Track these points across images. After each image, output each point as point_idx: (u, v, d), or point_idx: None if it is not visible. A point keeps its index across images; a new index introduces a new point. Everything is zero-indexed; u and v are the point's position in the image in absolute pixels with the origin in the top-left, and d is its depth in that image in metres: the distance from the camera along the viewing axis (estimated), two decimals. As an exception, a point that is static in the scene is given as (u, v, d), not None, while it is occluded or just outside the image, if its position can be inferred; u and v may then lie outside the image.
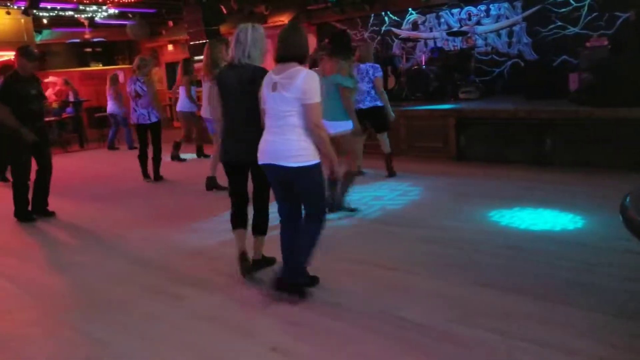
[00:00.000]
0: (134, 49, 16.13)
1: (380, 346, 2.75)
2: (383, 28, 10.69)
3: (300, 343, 2.83)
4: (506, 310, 3.01)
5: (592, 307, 2.98)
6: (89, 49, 15.67)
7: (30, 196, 5.81)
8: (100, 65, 15.57)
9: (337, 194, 5.09)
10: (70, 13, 12.21)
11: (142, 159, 7.50)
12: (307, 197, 3.29)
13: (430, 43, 10.07)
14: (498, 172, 6.54)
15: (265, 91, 3.25)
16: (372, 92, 6.23)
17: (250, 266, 3.77)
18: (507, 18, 9.05)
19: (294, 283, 3.35)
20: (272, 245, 3.75)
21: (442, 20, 9.89)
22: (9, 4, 11.27)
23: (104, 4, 11.91)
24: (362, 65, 6.26)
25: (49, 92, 11.32)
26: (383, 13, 10.54)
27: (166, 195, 6.69)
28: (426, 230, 4.56)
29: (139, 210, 5.98)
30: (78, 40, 14.46)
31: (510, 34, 9.07)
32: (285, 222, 3.44)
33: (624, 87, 6.18)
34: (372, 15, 10.67)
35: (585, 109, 6.42)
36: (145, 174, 7.54)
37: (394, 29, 10.54)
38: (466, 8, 9.50)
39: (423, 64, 9.58)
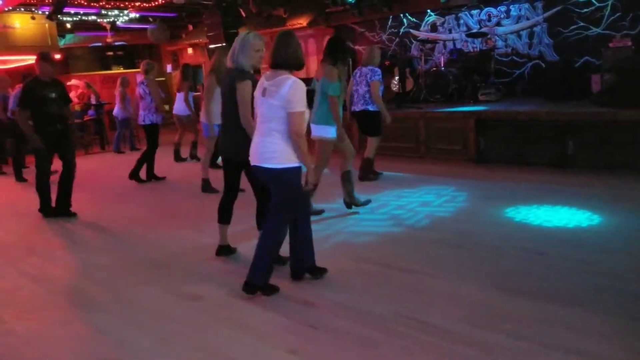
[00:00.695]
0: (154, 52, 16.36)
1: (401, 349, 2.74)
2: (401, 30, 10.65)
3: (319, 346, 2.83)
4: (529, 315, 2.98)
5: (617, 313, 2.93)
6: (110, 53, 15.95)
7: (54, 197, 6.01)
8: (122, 68, 15.81)
9: (347, 194, 5.26)
10: (93, 17, 12.45)
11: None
12: (279, 198, 3.40)
13: (450, 44, 10.02)
14: (518, 174, 6.47)
15: (257, 94, 3.40)
16: (367, 95, 6.23)
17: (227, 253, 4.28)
18: (528, 19, 8.95)
19: (251, 283, 3.40)
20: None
21: (462, 21, 9.82)
22: (33, 10, 11.52)
23: (126, 8, 12.10)
24: (363, 68, 6.28)
25: (71, 95, 11.46)
26: (402, 15, 10.51)
27: (187, 197, 6.72)
28: (448, 234, 4.52)
29: (158, 211, 6.06)
30: (100, 44, 14.70)
31: (530, 35, 8.96)
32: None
33: (648, 88, 6.08)
34: (391, 17, 10.65)
35: (608, 110, 6.32)
36: (150, 175, 7.77)
37: (412, 31, 10.50)
38: (486, 9, 9.42)
39: (442, 65, 9.53)
